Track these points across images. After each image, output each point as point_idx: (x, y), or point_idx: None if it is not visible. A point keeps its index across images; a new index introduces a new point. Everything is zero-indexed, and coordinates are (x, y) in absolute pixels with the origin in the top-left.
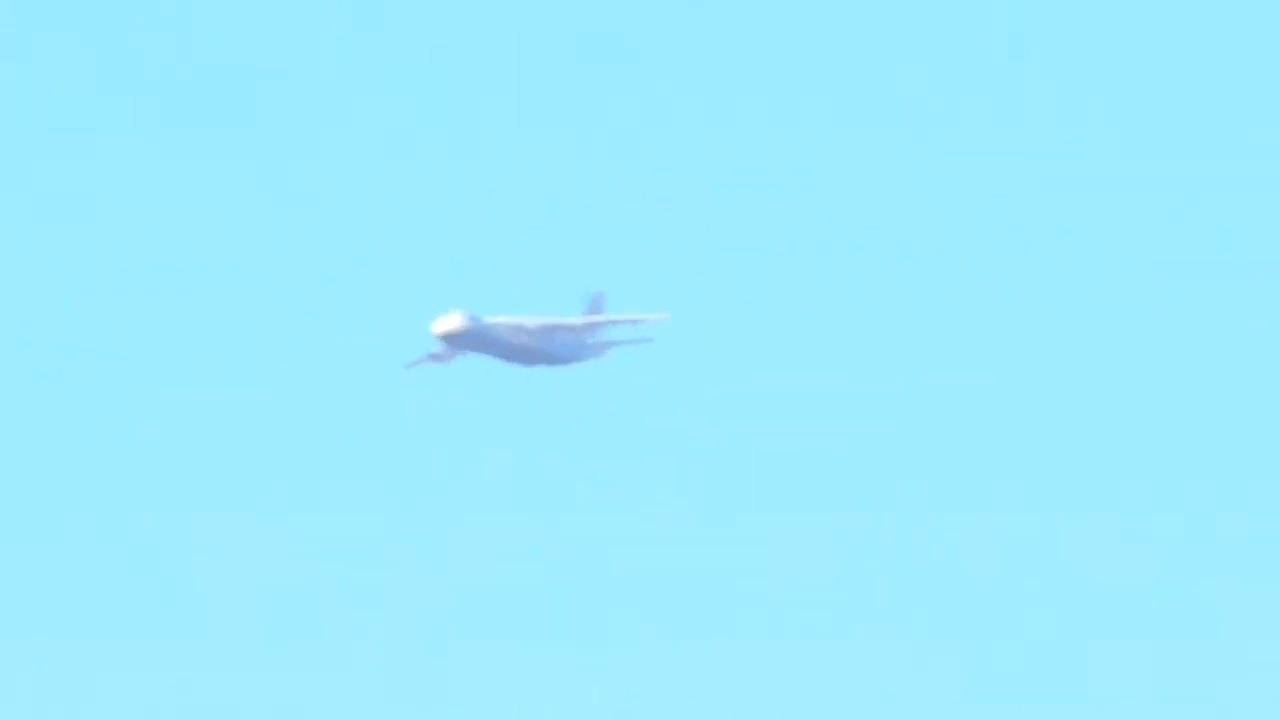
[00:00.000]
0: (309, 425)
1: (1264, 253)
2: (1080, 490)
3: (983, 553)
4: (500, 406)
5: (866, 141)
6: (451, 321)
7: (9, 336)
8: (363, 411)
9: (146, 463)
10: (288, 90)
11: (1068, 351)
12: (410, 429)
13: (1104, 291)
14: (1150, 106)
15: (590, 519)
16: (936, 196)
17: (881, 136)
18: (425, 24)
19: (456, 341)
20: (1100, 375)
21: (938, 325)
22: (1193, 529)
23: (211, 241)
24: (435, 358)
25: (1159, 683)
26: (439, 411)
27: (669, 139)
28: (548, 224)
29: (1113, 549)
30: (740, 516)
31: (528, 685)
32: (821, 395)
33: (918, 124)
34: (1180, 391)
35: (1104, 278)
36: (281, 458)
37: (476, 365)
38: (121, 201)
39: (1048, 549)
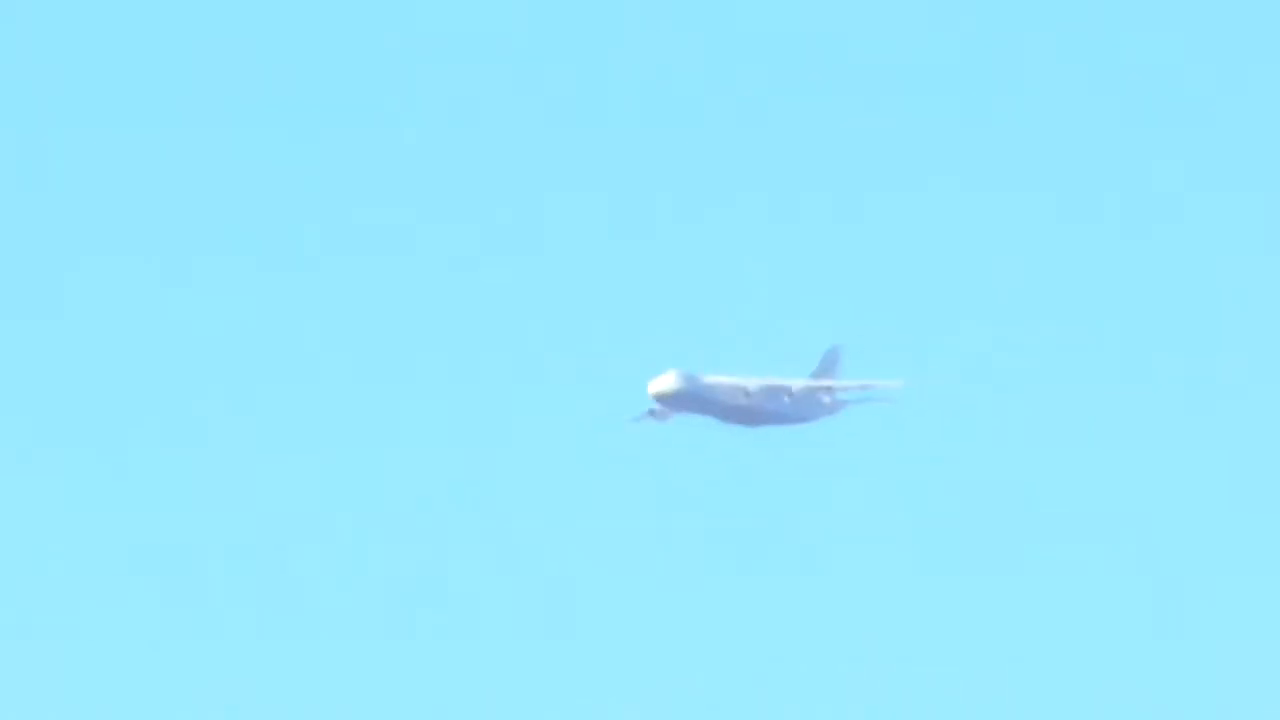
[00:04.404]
0: (528, 480)
1: None
2: None
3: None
4: (719, 465)
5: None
6: (667, 381)
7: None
8: (584, 465)
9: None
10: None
11: None
12: (629, 484)
13: None
14: None
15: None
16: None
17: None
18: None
19: (673, 401)
20: None
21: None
22: None
23: (431, 289)
24: (654, 416)
25: None
26: (657, 467)
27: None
28: (788, 279)
29: None
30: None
31: None
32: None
33: None
34: None
35: None
36: (501, 509)
37: (697, 425)
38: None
39: None
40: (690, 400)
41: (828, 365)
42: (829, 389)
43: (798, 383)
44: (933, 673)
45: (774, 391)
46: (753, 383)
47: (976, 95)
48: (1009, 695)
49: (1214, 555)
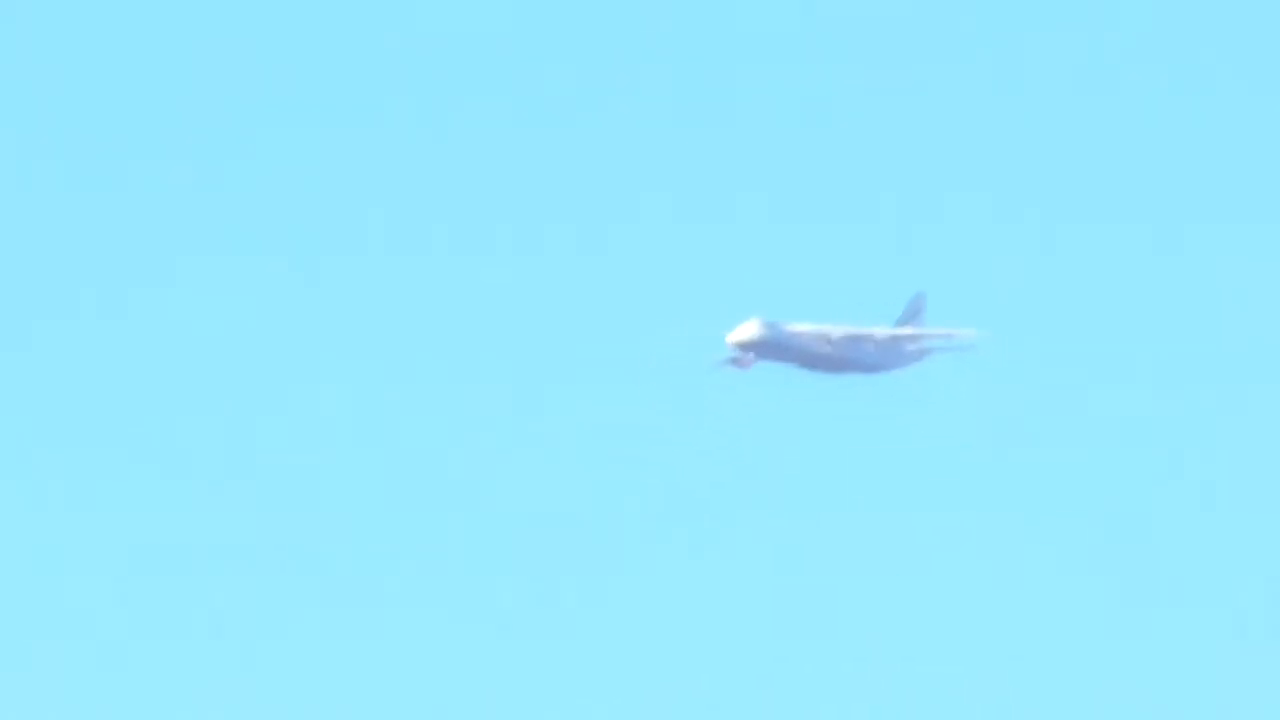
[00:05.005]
0: (611, 426)
1: None
2: None
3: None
4: (801, 412)
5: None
6: (748, 330)
7: None
8: (666, 411)
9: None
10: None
11: None
12: (712, 429)
13: None
14: None
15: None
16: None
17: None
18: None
19: (755, 349)
20: None
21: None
22: None
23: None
24: (735, 363)
25: None
26: (740, 413)
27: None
28: (874, 227)
29: None
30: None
31: None
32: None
33: None
34: None
35: None
36: (583, 456)
37: (779, 372)
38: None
39: None
40: (772, 348)
41: (912, 313)
42: (912, 338)
43: (880, 331)
44: (1012, 616)
45: (856, 340)
46: (835, 331)
47: (1065, 42)
48: (1088, 632)
49: None
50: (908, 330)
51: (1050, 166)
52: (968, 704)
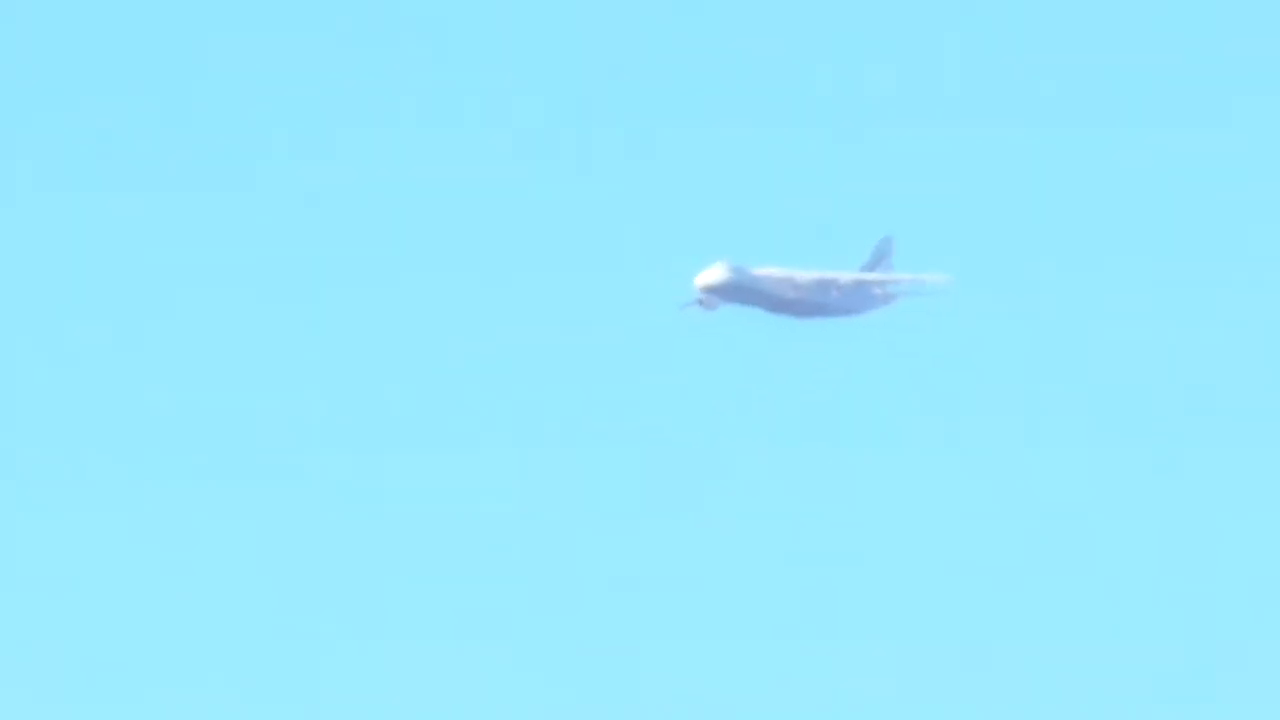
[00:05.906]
0: (578, 370)
1: None
2: None
3: None
4: (766, 356)
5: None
6: (715, 273)
7: None
8: (632, 354)
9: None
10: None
11: None
12: (677, 372)
13: None
14: None
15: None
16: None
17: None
18: None
19: (721, 293)
20: None
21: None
22: None
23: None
24: (701, 306)
25: None
26: (705, 357)
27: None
28: (841, 170)
29: None
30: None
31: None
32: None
33: None
34: None
35: None
36: (550, 399)
37: (745, 316)
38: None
39: None
40: (738, 292)
41: (879, 256)
42: (878, 282)
43: (847, 276)
44: (979, 563)
45: (823, 284)
46: (802, 275)
47: None
48: (1066, 583)
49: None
50: (875, 275)
51: (1017, 109)
52: (943, 649)
